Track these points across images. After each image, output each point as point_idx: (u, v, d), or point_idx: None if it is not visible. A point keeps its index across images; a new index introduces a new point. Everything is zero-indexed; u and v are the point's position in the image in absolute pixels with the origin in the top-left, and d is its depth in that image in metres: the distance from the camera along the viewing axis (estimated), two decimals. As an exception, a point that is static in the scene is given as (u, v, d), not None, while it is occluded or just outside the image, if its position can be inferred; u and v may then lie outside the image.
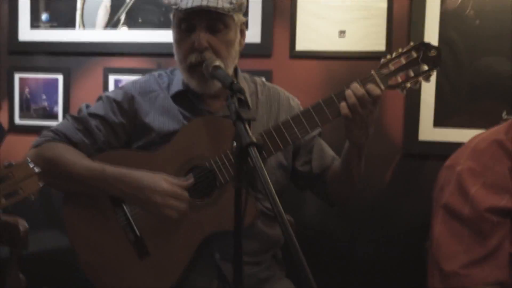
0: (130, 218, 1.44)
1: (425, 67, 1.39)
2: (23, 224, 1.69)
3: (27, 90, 2.34)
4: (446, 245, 1.30)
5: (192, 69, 1.43)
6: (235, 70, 1.58)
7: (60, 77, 2.32)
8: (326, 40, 2.10)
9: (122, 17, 2.27)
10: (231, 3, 1.41)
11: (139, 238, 1.43)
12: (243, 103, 1.08)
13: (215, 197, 1.42)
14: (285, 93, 1.64)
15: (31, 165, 1.30)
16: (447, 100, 2.04)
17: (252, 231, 1.47)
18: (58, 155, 1.45)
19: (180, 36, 1.45)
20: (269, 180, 0.93)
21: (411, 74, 1.39)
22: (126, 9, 2.27)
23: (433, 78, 2.02)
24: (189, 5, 1.37)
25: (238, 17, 1.49)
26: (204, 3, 1.37)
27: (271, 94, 1.60)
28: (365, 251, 2.14)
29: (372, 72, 1.39)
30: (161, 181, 1.38)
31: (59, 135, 1.50)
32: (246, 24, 1.59)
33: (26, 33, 2.35)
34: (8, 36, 2.37)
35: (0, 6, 2.38)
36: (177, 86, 1.54)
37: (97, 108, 1.54)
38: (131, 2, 2.26)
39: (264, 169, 0.95)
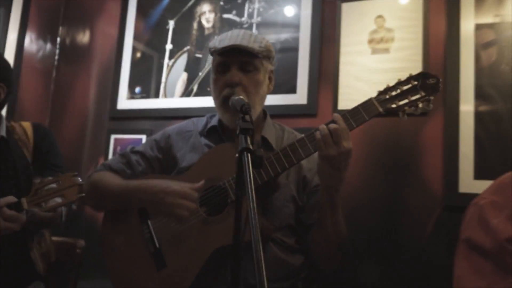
0: (152, 231, 1.56)
1: (423, 93, 1.45)
2: (80, 244, 1.97)
3: (118, 148, 2.78)
4: (469, 281, 1.23)
5: (225, 103, 1.55)
6: (264, 113, 1.75)
7: (143, 137, 2.72)
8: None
9: (195, 87, 2.63)
10: (260, 46, 1.62)
11: (158, 250, 1.53)
12: (247, 120, 1.16)
13: (226, 213, 1.49)
14: None
15: (76, 177, 1.55)
16: (487, 153, 2.02)
17: (266, 255, 1.40)
18: (99, 179, 1.70)
19: (217, 77, 1.65)
20: (252, 186, 0.99)
21: (411, 98, 1.46)
22: (199, 81, 2.63)
23: (471, 131, 2.06)
24: (225, 43, 1.60)
25: (267, 64, 1.68)
26: (237, 42, 1.59)
27: (296, 138, 1.68)
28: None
29: (371, 98, 1.49)
30: (172, 184, 1.51)
31: (105, 166, 1.77)
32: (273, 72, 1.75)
33: (123, 102, 2.84)
34: (110, 105, 2.88)
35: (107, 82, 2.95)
36: (212, 123, 1.74)
37: (140, 146, 1.80)
38: (203, 75, 2.63)
39: (251, 176, 1.01)
